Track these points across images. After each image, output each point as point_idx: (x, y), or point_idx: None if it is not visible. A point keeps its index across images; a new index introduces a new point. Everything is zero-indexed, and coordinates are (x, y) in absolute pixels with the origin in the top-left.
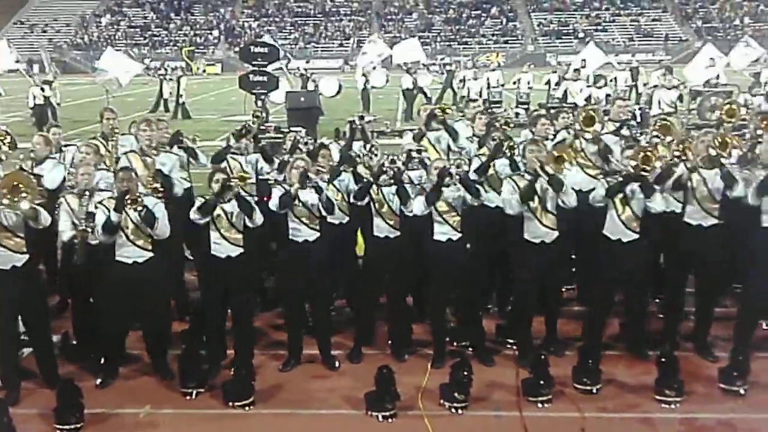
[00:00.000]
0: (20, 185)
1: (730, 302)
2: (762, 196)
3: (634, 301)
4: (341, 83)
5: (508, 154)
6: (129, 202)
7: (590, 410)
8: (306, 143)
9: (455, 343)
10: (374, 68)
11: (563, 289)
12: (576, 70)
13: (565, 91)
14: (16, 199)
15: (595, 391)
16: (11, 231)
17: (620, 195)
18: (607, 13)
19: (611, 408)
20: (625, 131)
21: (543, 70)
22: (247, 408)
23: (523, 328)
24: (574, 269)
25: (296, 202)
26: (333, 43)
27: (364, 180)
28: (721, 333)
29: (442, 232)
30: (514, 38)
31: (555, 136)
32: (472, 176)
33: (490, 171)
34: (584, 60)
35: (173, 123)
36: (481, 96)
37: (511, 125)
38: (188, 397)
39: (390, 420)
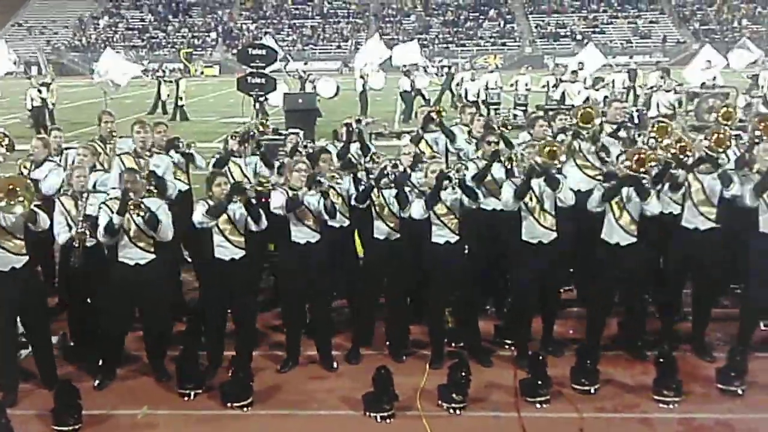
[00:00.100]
0: (17, 189)
1: (728, 302)
2: (759, 196)
3: (633, 302)
4: (339, 85)
5: (508, 166)
6: (132, 207)
7: (588, 410)
8: (305, 146)
9: (453, 344)
10: (375, 70)
11: (561, 290)
12: (573, 71)
13: (563, 93)
14: (12, 202)
15: (593, 391)
16: (10, 233)
17: (617, 199)
18: (604, 15)
19: (609, 408)
20: (622, 133)
21: (541, 72)
22: (245, 409)
23: (522, 328)
24: (572, 270)
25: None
26: (331, 45)
27: (363, 183)
28: (718, 333)
29: (441, 235)
30: (512, 40)
31: (554, 137)
32: (470, 184)
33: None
34: (581, 63)
35: (171, 125)
36: (478, 97)
37: (509, 126)
38: (186, 398)
39: (388, 421)
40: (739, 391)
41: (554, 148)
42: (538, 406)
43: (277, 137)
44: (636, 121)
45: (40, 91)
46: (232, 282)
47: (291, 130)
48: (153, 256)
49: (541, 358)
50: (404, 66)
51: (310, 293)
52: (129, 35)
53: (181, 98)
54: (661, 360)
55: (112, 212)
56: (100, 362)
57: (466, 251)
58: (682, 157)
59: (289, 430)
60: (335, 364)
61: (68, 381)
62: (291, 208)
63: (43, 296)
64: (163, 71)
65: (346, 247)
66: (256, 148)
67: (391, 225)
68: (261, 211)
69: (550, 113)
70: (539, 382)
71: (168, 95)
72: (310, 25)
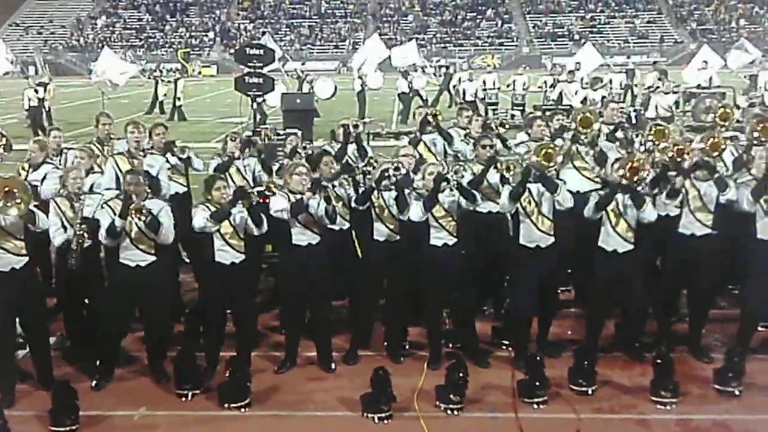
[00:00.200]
0: (14, 190)
1: (725, 303)
2: (756, 200)
3: (631, 305)
4: (336, 85)
5: (506, 174)
6: (133, 211)
7: (586, 411)
8: (305, 147)
9: (450, 345)
10: (373, 70)
11: (559, 291)
12: (570, 71)
13: (560, 93)
14: (9, 203)
15: (590, 392)
16: (10, 233)
17: (613, 206)
18: (602, 15)
19: (607, 409)
20: (619, 134)
21: (538, 72)
22: (242, 410)
23: (521, 330)
24: (569, 271)
25: None
26: (329, 45)
27: (361, 185)
28: (716, 334)
29: (439, 237)
30: (510, 40)
31: (552, 138)
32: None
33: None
34: (578, 63)
35: (169, 125)
36: (476, 97)
37: (507, 126)
38: (184, 399)
39: (386, 422)
40: (737, 392)
41: (550, 150)
42: (535, 407)
43: (274, 137)
44: (633, 121)
45: (36, 91)
46: (232, 285)
47: (289, 131)
48: (154, 258)
49: (538, 359)
50: (402, 67)
51: (310, 295)
52: (126, 35)
53: (179, 98)
54: (659, 361)
55: (114, 213)
56: (98, 363)
57: (464, 253)
58: (679, 160)
59: (286, 431)
60: (333, 365)
61: (66, 382)
62: (296, 213)
63: (41, 297)
64: (161, 71)
65: (346, 249)
66: (257, 154)
67: (391, 227)
68: (263, 216)
69: (548, 113)
70: (537, 383)
71: (165, 95)
72: (307, 25)
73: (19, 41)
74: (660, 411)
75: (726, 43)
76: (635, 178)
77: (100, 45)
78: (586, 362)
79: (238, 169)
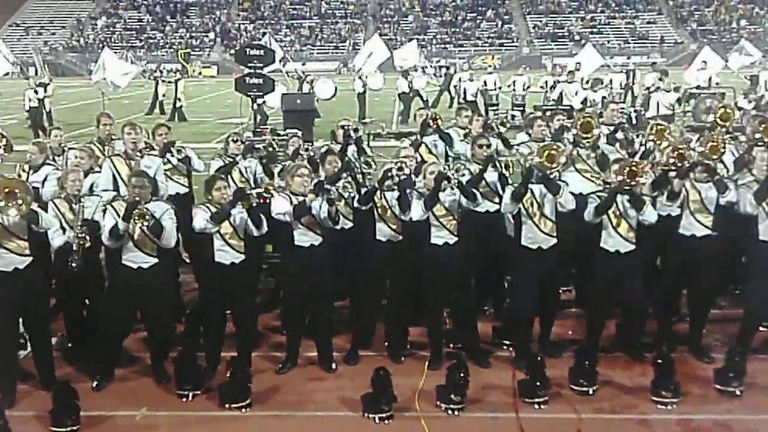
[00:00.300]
0: (16, 191)
1: (726, 303)
2: (759, 204)
3: (633, 306)
4: (336, 86)
5: (506, 173)
6: (137, 217)
7: (587, 411)
8: (307, 149)
9: (451, 345)
10: (374, 71)
11: (560, 291)
12: (570, 72)
13: (561, 93)
14: (10, 204)
15: (591, 392)
16: (14, 233)
17: (614, 207)
18: (602, 16)
19: (608, 409)
20: (619, 135)
21: (538, 73)
22: (243, 410)
23: (522, 330)
24: (571, 271)
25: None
26: (329, 46)
27: (360, 185)
28: (717, 334)
29: (439, 236)
30: (510, 41)
31: (553, 138)
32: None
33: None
34: (578, 63)
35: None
36: (477, 97)
37: (507, 125)
38: (184, 399)
39: (386, 422)
40: (738, 392)
41: (553, 152)
42: (536, 407)
43: (275, 138)
44: (634, 122)
45: (36, 92)
46: (232, 285)
47: (290, 131)
48: (156, 260)
49: (539, 359)
50: (403, 68)
51: (311, 295)
52: (127, 36)
53: (179, 99)
54: (659, 361)
55: (118, 215)
56: (99, 363)
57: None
58: (680, 164)
59: (288, 431)
60: (334, 365)
61: (66, 382)
62: (299, 215)
63: (45, 297)
64: (161, 71)
65: (349, 249)
66: (259, 157)
67: (393, 227)
68: (262, 217)
69: (548, 114)
70: (538, 383)
71: (164, 95)
72: (307, 26)
73: (19, 42)
74: (661, 411)
75: (726, 43)
76: (634, 182)
77: (101, 46)
78: (587, 362)
79: (240, 171)
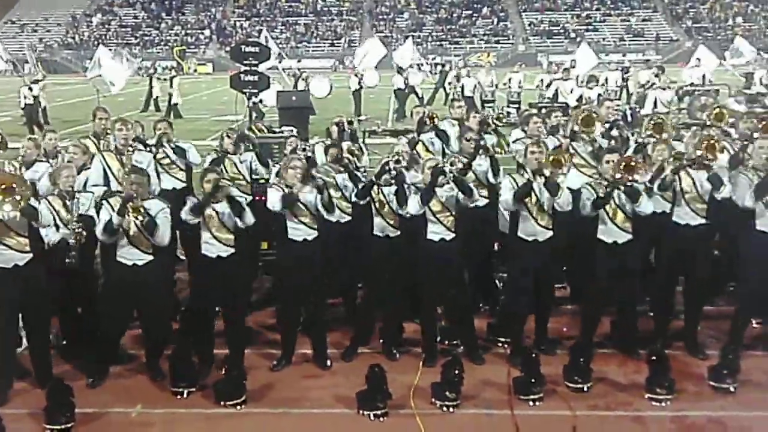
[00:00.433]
0: (13, 186)
1: (723, 301)
2: (760, 198)
3: (629, 300)
4: (332, 83)
5: (490, 153)
6: (131, 210)
7: (581, 408)
8: (304, 149)
9: (446, 342)
10: (370, 68)
11: (554, 287)
12: (565, 69)
13: (556, 91)
14: (7, 199)
15: (586, 389)
16: (12, 229)
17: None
18: (597, 13)
19: (602, 406)
20: (614, 132)
21: (534, 70)
22: (238, 407)
23: (516, 326)
24: (564, 268)
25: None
26: (324, 43)
27: (357, 179)
28: (711, 331)
29: (435, 232)
30: (505, 38)
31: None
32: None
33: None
34: (574, 60)
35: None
36: (474, 93)
37: (503, 120)
38: (179, 397)
39: (381, 419)
40: (732, 389)
41: (559, 158)
42: (531, 404)
43: (270, 135)
44: (629, 119)
45: (31, 89)
46: (220, 279)
47: (285, 128)
48: (151, 257)
49: (534, 356)
50: (398, 64)
51: (305, 291)
52: (122, 33)
53: (170, 95)
54: (654, 358)
55: (113, 210)
56: (94, 361)
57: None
58: (711, 158)
59: (283, 429)
60: (329, 362)
61: (61, 379)
62: (286, 204)
63: (44, 295)
64: (155, 68)
65: (346, 243)
66: (251, 147)
67: (391, 222)
68: (244, 207)
69: (543, 111)
70: (532, 380)
71: (159, 93)
72: (303, 23)
73: (14, 39)
74: (655, 408)
75: (722, 41)
76: (631, 177)
77: (96, 43)
78: (581, 359)
79: (235, 165)
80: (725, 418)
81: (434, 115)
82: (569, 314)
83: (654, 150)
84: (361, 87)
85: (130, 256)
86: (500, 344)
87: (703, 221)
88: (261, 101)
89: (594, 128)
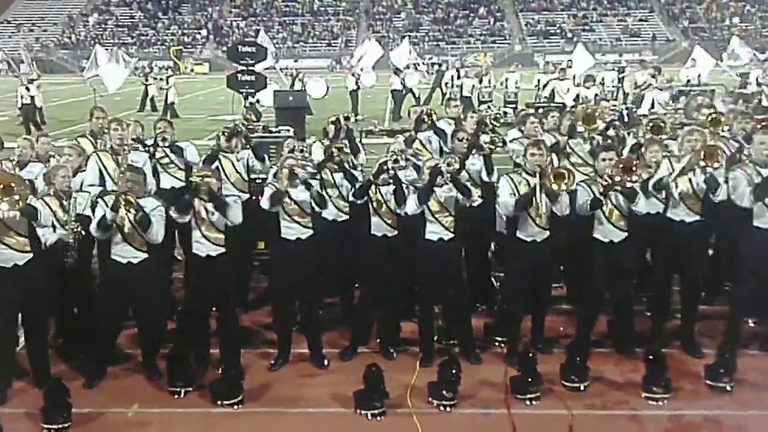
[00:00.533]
0: (12, 185)
1: (719, 301)
2: (759, 200)
3: (625, 298)
4: (328, 84)
5: (484, 151)
6: (123, 202)
7: (578, 407)
8: (302, 150)
9: (443, 342)
10: (368, 69)
11: (551, 287)
12: (562, 69)
13: (553, 91)
14: (6, 199)
15: (583, 388)
16: (12, 229)
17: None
18: (594, 13)
19: (599, 405)
20: (611, 132)
21: (531, 70)
22: (235, 407)
23: (513, 325)
24: (561, 267)
25: (288, 200)
26: (321, 43)
27: (358, 180)
28: (707, 329)
29: (434, 232)
30: (502, 38)
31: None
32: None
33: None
34: (571, 60)
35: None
36: (472, 93)
37: (500, 120)
38: (176, 396)
39: (379, 418)
40: (728, 388)
41: (562, 173)
42: (528, 403)
43: (267, 135)
44: (625, 119)
45: (28, 89)
46: (210, 279)
47: (282, 128)
48: (146, 255)
49: (531, 355)
50: (395, 64)
51: (299, 290)
52: (118, 33)
53: (167, 94)
54: (651, 357)
55: (108, 206)
56: (91, 361)
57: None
58: (714, 166)
59: (280, 428)
60: (326, 362)
61: (58, 379)
62: (274, 202)
63: (43, 295)
64: (151, 68)
65: (343, 243)
66: (246, 142)
67: (389, 222)
68: (228, 203)
69: (540, 111)
70: (529, 379)
71: (160, 89)
72: (300, 23)
73: (10, 39)
74: (652, 407)
75: (718, 41)
76: (629, 178)
77: (92, 42)
78: (578, 358)
79: (232, 163)
80: (722, 417)
81: (432, 112)
82: (565, 313)
83: (648, 150)
84: (359, 87)
85: (124, 253)
86: (497, 344)
87: (698, 218)
88: (258, 101)
89: (597, 125)
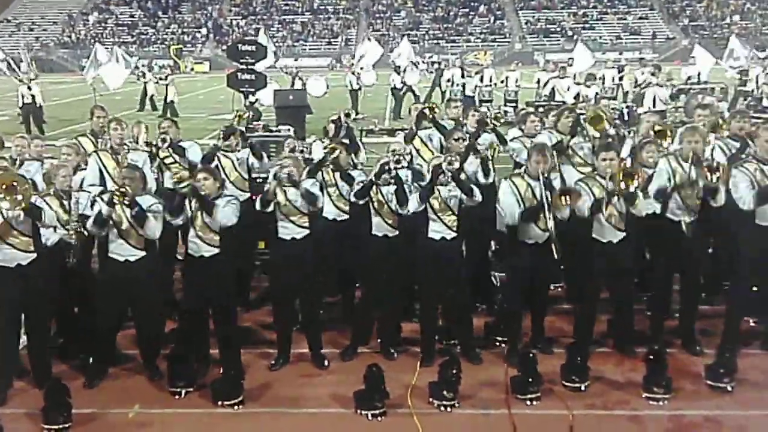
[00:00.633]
0: (15, 184)
1: (719, 300)
2: (761, 204)
3: (623, 299)
4: (328, 83)
5: (482, 155)
6: (117, 194)
7: (579, 407)
8: (302, 151)
9: (443, 342)
10: (368, 68)
11: (551, 287)
12: (562, 67)
13: (553, 89)
14: (8, 198)
15: (583, 388)
16: (17, 229)
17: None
18: (594, 11)
19: (599, 405)
20: (611, 131)
21: (531, 68)
22: (236, 407)
23: (514, 325)
24: (561, 267)
25: (283, 200)
26: (321, 42)
27: (357, 180)
28: (708, 330)
29: (436, 231)
30: (502, 36)
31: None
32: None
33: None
34: (571, 59)
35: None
36: (476, 92)
37: (501, 119)
38: (177, 397)
39: (379, 418)
40: (729, 388)
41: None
42: (528, 403)
43: (268, 134)
44: (626, 117)
45: (30, 88)
46: (204, 279)
47: (282, 127)
48: (143, 253)
49: (531, 355)
50: (394, 62)
51: (296, 290)
52: (118, 32)
53: (166, 93)
54: (651, 357)
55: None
56: (91, 360)
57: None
58: (714, 183)
59: (280, 429)
60: (326, 362)
61: (58, 379)
62: (263, 203)
63: (45, 295)
64: (151, 67)
65: (342, 242)
66: (244, 141)
67: (390, 222)
68: (212, 203)
69: (541, 109)
70: (530, 380)
71: (163, 86)
72: (300, 21)
73: (11, 38)
74: (652, 407)
75: (718, 39)
76: (632, 185)
77: (92, 41)
78: (578, 358)
79: (233, 163)
80: (722, 417)
81: (435, 106)
82: (566, 314)
83: (644, 150)
84: (359, 86)
85: (121, 251)
86: (498, 343)
87: (697, 217)
88: (257, 100)
89: (603, 126)
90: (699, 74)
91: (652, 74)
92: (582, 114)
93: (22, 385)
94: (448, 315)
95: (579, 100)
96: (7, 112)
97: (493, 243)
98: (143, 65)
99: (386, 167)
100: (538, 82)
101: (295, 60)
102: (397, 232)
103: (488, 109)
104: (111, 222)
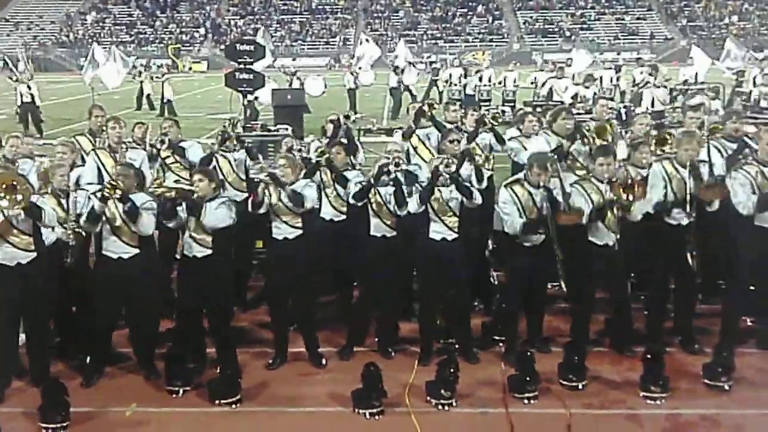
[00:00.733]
0: (15, 185)
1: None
2: (762, 211)
3: (621, 299)
4: (326, 82)
5: (476, 162)
6: (108, 187)
7: (576, 406)
8: (300, 150)
9: (441, 341)
10: (366, 69)
11: (549, 287)
12: (560, 68)
13: (551, 89)
14: (8, 197)
15: (581, 387)
16: (17, 228)
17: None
18: (592, 12)
19: (597, 404)
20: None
21: (529, 69)
22: (233, 406)
23: (512, 324)
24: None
25: (275, 200)
26: (319, 41)
27: (343, 179)
28: (706, 329)
29: (437, 231)
30: (500, 36)
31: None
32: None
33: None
34: (570, 59)
35: (159, 121)
36: (476, 92)
37: (499, 119)
38: (174, 396)
39: (377, 417)
40: (726, 387)
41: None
42: (525, 402)
43: (266, 133)
44: (623, 117)
45: (29, 87)
46: (198, 279)
47: (280, 126)
48: (137, 250)
49: (529, 354)
50: (393, 62)
51: (290, 289)
52: (116, 31)
53: (163, 92)
54: (649, 356)
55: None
56: (88, 359)
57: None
58: (711, 205)
59: (278, 428)
60: (324, 361)
61: (56, 378)
62: (254, 206)
63: (44, 295)
64: (149, 67)
65: (339, 242)
66: (240, 143)
67: (388, 223)
68: (202, 206)
69: (539, 109)
70: (527, 378)
71: (151, 92)
72: (298, 21)
73: (8, 37)
74: (650, 406)
75: (716, 39)
76: (631, 196)
77: (90, 41)
78: (576, 357)
79: (230, 164)
80: (719, 416)
81: (433, 103)
82: (563, 313)
83: (638, 151)
84: (357, 85)
85: (114, 248)
86: (495, 343)
87: (693, 219)
88: (256, 98)
89: (607, 136)
90: (696, 75)
91: (650, 74)
92: (579, 114)
93: (19, 384)
94: (448, 315)
95: (577, 100)
96: (5, 111)
97: (490, 243)
98: (140, 64)
99: (385, 170)
100: (534, 81)
101: (293, 59)
102: (395, 233)
103: (487, 111)
104: (104, 218)
